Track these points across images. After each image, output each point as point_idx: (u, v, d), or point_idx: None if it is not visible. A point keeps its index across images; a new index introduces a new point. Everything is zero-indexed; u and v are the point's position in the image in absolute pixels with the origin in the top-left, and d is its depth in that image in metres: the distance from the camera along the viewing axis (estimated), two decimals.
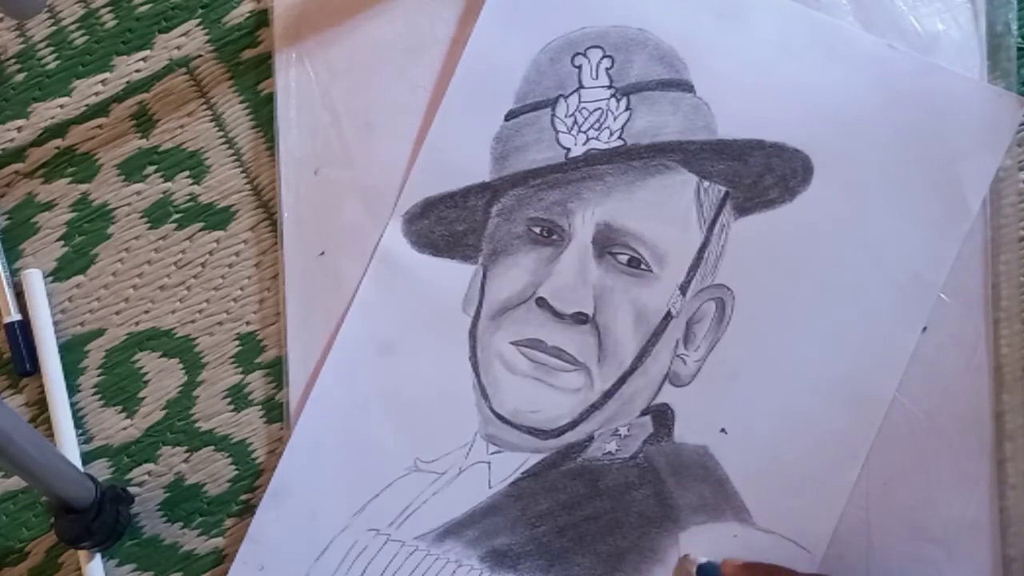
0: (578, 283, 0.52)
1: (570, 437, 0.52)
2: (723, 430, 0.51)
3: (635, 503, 0.52)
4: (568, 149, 0.53)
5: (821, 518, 0.51)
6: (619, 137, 0.53)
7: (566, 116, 0.54)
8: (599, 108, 0.53)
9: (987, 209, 0.52)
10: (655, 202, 0.53)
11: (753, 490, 0.51)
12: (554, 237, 0.53)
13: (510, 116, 0.54)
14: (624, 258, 0.52)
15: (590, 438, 0.52)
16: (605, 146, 0.53)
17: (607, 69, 0.54)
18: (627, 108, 0.53)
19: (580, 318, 0.52)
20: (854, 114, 0.53)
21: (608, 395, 0.52)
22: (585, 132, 0.53)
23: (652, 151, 0.53)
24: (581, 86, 0.54)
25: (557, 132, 0.54)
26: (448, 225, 0.53)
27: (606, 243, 0.52)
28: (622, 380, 0.52)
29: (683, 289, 0.52)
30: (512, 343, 0.53)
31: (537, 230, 0.53)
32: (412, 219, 0.54)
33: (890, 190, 0.52)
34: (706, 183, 0.53)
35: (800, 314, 0.52)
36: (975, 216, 0.52)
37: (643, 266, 0.52)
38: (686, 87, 0.53)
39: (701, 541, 0.51)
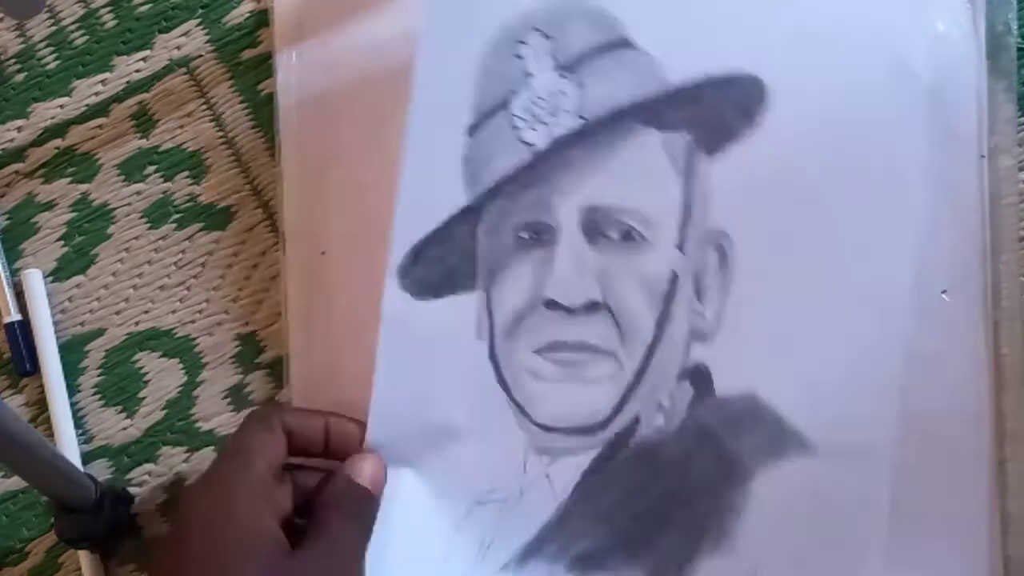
0: (579, 273, 0.51)
1: (616, 425, 0.51)
2: (762, 371, 0.50)
3: (698, 468, 0.50)
4: (532, 144, 0.52)
5: (879, 427, 0.49)
6: (578, 116, 0.52)
7: (523, 112, 0.52)
8: (552, 92, 0.52)
9: (987, 209, 0.52)
10: (628, 170, 0.51)
11: (807, 420, 0.49)
12: (544, 236, 0.52)
13: (472, 131, 0.53)
14: (616, 234, 0.51)
15: (636, 419, 0.51)
16: (567, 130, 0.52)
17: (549, 52, 0.52)
18: (578, 84, 0.52)
19: (591, 306, 0.52)
20: (799, 25, 0.51)
21: (640, 372, 0.51)
22: (545, 122, 0.52)
23: (612, 120, 0.52)
24: (529, 75, 0.53)
25: (518, 131, 0.52)
26: (440, 263, 0.52)
27: (595, 226, 0.51)
28: (649, 353, 0.51)
29: (680, 246, 0.51)
30: (534, 352, 0.52)
31: (525, 235, 0.52)
32: (405, 271, 0.52)
33: (849, 94, 0.51)
34: (671, 134, 0.52)
35: (801, 233, 0.50)
36: (922, 81, 0.51)
37: (636, 236, 0.52)
38: (626, 44, 0.52)
39: (771, 483, 0.50)
